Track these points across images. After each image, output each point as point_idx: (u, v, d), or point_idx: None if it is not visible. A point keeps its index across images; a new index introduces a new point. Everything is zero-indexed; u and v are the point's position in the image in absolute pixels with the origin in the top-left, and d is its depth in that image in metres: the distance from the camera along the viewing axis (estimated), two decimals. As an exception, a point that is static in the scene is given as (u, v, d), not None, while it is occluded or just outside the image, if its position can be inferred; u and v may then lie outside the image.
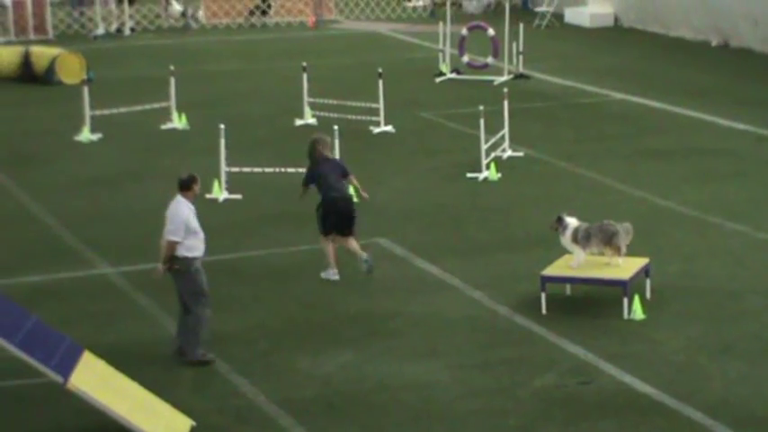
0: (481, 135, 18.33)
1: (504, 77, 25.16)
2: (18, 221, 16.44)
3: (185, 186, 11.96)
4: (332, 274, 14.16)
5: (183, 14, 32.63)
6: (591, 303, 13.34)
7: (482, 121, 18.27)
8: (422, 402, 11.11)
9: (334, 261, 14.15)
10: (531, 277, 13.69)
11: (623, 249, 13.21)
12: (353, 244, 14.25)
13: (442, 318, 13.10)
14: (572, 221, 13.39)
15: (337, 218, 14.15)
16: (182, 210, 11.83)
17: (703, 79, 25.65)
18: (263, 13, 33.16)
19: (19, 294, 12.88)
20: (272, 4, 33.25)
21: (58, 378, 10.38)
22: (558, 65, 27.10)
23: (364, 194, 14.70)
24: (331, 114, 21.08)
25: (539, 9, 33.08)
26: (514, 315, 13.10)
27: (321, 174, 14.22)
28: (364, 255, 14.17)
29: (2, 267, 14.42)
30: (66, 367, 10.56)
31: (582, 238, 13.21)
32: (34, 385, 10.95)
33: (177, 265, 11.78)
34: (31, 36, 30.15)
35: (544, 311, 13.04)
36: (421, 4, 35.51)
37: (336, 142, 17.16)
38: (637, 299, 12.91)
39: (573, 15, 33.24)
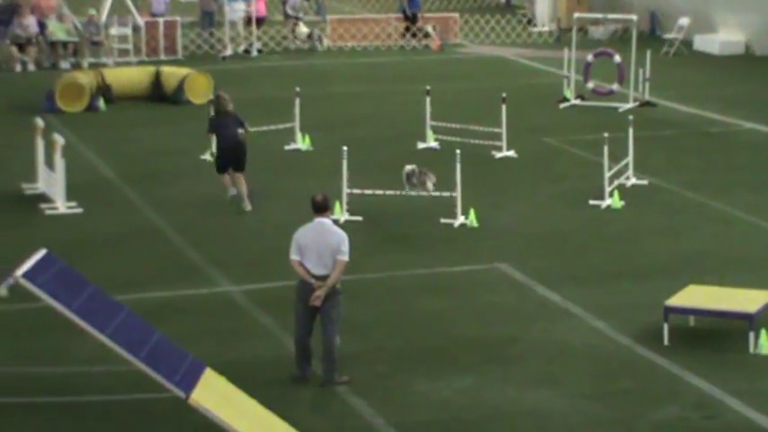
0: (605, 162, 18.16)
1: (630, 104, 24.90)
2: (145, 238, 16.75)
3: (325, 208, 12.02)
4: (232, 190, 17.87)
5: (310, 36, 32.97)
6: (715, 336, 13.10)
7: (606, 148, 18.10)
8: (539, 431, 11.02)
9: (230, 185, 17.88)
10: (653, 307, 13.49)
11: None
12: (242, 181, 17.80)
13: (563, 346, 12.99)
14: None
15: (231, 158, 17.79)
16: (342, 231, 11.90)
17: (836, 110, 25.07)
18: (426, 35, 33.26)
19: (144, 310, 13.10)
20: (430, 31, 33.31)
21: (181, 393, 10.54)
22: (685, 93, 26.73)
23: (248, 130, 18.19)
24: (453, 138, 21.09)
25: (667, 36, 32.67)
26: (636, 345, 12.92)
27: (220, 124, 17.87)
28: (239, 192, 17.76)
29: (129, 283, 14.70)
30: (189, 383, 10.72)
31: None
32: (157, 400, 11.12)
33: (340, 287, 11.87)
34: (162, 56, 30.76)
35: (666, 342, 12.85)
36: (547, 29, 35.37)
37: (458, 166, 17.16)
38: (763, 333, 12.64)
39: (702, 43, 32.77)
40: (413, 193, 17.61)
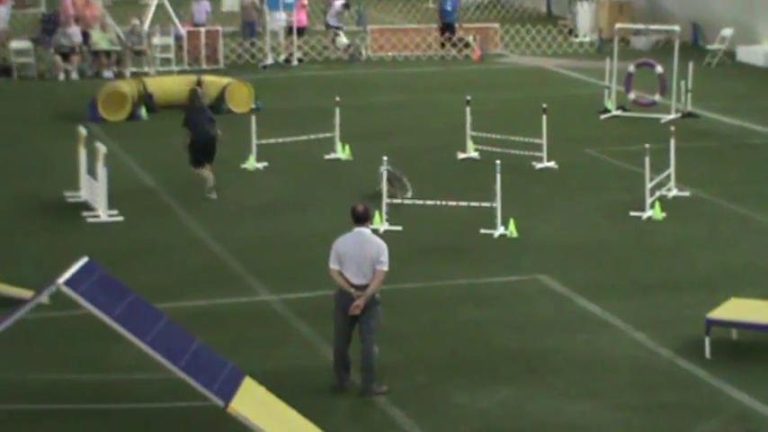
0: (646, 173, 18.06)
1: (672, 115, 24.76)
2: (186, 247, 16.81)
3: (366, 218, 12.01)
4: (210, 182, 18.86)
5: (350, 47, 33.02)
6: (758, 349, 12.98)
7: (647, 160, 18.00)
8: (580, 443, 10.96)
9: (208, 176, 18.88)
10: (695, 320, 13.38)
11: None
12: (209, 171, 18.94)
13: (603, 358, 12.91)
14: None
15: (206, 152, 18.85)
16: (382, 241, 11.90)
17: None
18: (466, 45, 33.26)
19: (184, 318, 13.14)
20: (471, 42, 33.31)
21: (220, 402, 10.56)
22: (728, 104, 26.55)
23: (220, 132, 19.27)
24: (493, 149, 21.04)
25: (710, 47, 32.48)
26: (677, 358, 12.83)
27: (195, 120, 18.92)
28: (211, 183, 18.82)
29: (169, 291, 14.75)
30: (228, 391, 10.73)
31: None
32: (196, 408, 11.13)
33: (379, 297, 11.86)
34: (204, 66, 30.91)
35: (708, 355, 12.74)
36: (588, 39, 35.26)
37: (498, 176, 17.12)
38: (806, 347, 12.53)
39: (746, 54, 32.54)
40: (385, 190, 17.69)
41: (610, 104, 25.57)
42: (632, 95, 25.48)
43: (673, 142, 19.11)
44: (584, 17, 36.18)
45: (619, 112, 25.39)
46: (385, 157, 17.57)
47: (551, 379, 12.37)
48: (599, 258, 16.27)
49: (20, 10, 37.26)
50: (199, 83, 26.16)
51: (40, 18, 34.39)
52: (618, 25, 28.50)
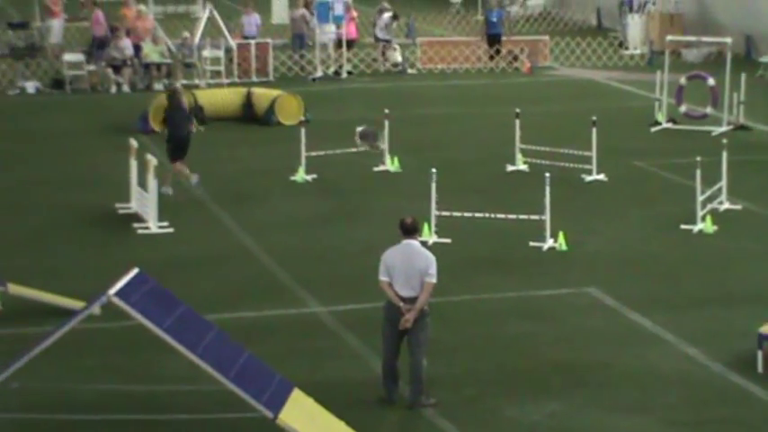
0: (697, 186, 17.92)
1: (723, 128, 24.57)
2: (236, 258, 16.87)
3: (414, 230, 12.00)
4: (194, 177, 19.88)
5: (398, 65, 32.97)
6: (810, 364, 12.83)
7: (698, 172, 17.86)
8: (630, 458, 10.88)
9: (188, 173, 19.92)
10: (747, 334, 13.25)
11: None
12: (183, 164, 20.02)
13: (654, 372, 12.81)
14: None
15: (181, 148, 19.87)
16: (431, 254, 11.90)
17: None
18: (515, 58, 33.25)
19: (234, 329, 13.17)
20: (519, 54, 33.29)
21: (269, 413, 10.59)
22: (780, 116, 26.32)
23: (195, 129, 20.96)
24: (543, 161, 20.97)
25: (763, 59, 32.19)
26: (729, 373, 12.71)
27: (174, 117, 19.99)
28: (194, 178, 19.87)
29: (218, 302, 14.81)
30: (277, 403, 10.76)
31: None
32: (245, 419, 11.16)
33: (428, 309, 11.85)
34: (254, 78, 31.06)
35: (760, 370, 12.61)
36: (638, 52, 35.08)
37: (547, 189, 17.06)
38: None
39: (798, 66, 32.23)
40: (362, 149, 19.15)
41: (660, 117, 25.42)
42: (683, 108, 25.31)
43: (725, 155, 18.96)
44: (635, 29, 36.00)
45: (669, 125, 25.23)
46: (433, 169, 17.55)
47: (601, 393, 12.30)
48: (649, 271, 16.17)
49: (72, 23, 37.62)
50: (249, 96, 26.35)
51: (93, 31, 34.72)
52: (669, 37, 28.33)
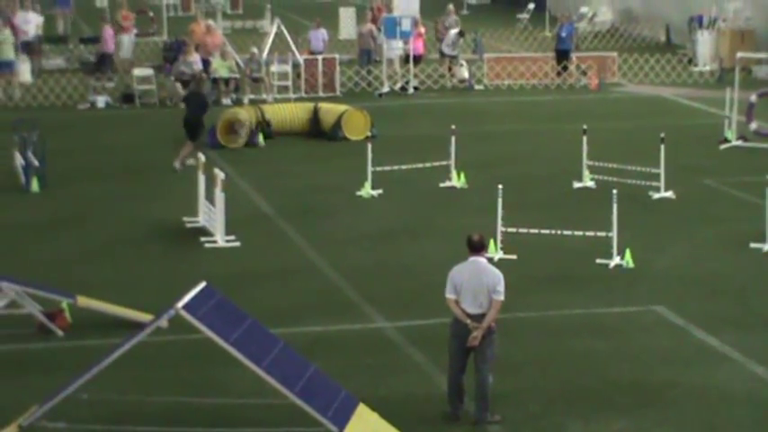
0: (767, 205, 17.72)
1: (793, 146, 24.31)
2: (302, 273, 16.95)
3: (482, 247, 11.98)
4: (178, 164, 22.31)
5: (464, 81, 32.98)
6: None
7: (768, 190, 17.68)
8: (697, 478, 10.76)
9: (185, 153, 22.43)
10: (817, 355, 13.09)
11: None
12: (189, 147, 22.56)
13: (721, 391, 12.68)
14: None
15: (188, 129, 22.56)
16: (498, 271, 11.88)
17: None
18: (583, 74, 33.15)
19: (299, 343, 13.24)
20: (587, 71, 33.21)
21: (334, 428, 10.62)
22: None
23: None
24: (610, 178, 20.86)
25: (833, 75, 31.84)
26: (798, 393, 12.55)
27: (190, 100, 23.01)
28: (177, 164, 22.38)
29: (285, 317, 14.88)
30: (342, 418, 10.78)
31: None
32: (310, 433, 11.20)
33: (494, 326, 11.83)
34: (321, 93, 31.21)
35: (831, 392, 12.44)
36: (708, 68, 34.80)
37: (614, 207, 16.96)
38: None
39: None
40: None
41: (730, 134, 25.18)
42: (754, 125, 25.06)
43: (795, 173, 18.74)
44: (705, 46, 35.72)
45: (739, 143, 24.99)
46: (500, 186, 17.52)
47: (668, 412, 12.19)
48: (717, 290, 16.01)
49: (142, 38, 38.08)
50: (316, 111, 26.49)
51: (162, 46, 35.14)
52: (739, 54, 28.08)
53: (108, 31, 32.65)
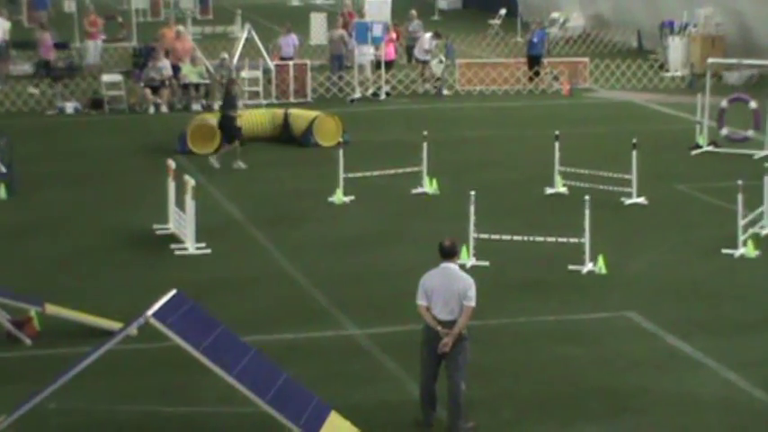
0: (738, 210, 17.76)
1: (765, 151, 24.35)
2: (273, 279, 16.85)
3: (453, 253, 11.91)
4: (215, 160, 23.62)
5: (438, 80, 32.97)
6: None
7: (740, 196, 17.70)
8: (670, 485, 10.73)
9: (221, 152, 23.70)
10: (789, 360, 13.10)
11: None
12: (223, 148, 23.87)
13: (694, 398, 12.66)
14: None
15: (223, 130, 23.70)
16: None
17: None
18: (555, 79, 33.18)
19: (271, 351, 13.14)
20: (558, 76, 33.25)
21: (305, 436, 10.52)
22: (821, 139, 26.05)
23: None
24: (582, 184, 20.85)
25: (804, 81, 31.97)
26: (771, 399, 12.55)
27: (223, 103, 24.15)
28: (214, 160, 23.54)
29: (256, 324, 14.78)
30: (314, 426, 10.71)
31: None
32: (281, 442, 11.10)
33: (467, 333, 11.76)
34: (292, 99, 31.12)
35: (803, 397, 12.45)
36: (679, 74, 34.90)
37: (586, 212, 16.95)
38: None
39: (839, 88, 31.97)
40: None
41: (701, 140, 25.24)
42: (725, 131, 25.13)
43: (767, 179, 18.77)
44: (676, 52, 35.82)
45: (711, 148, 25.05)
46: (472, 192, 17.47)
47: (640, 418, 12.16)
48: (689, 296, 16.01)
49: (112, 44, 37.87)
50: (286, 116, 26.39)
51: (132, 52, 34.96)
52: (710, 60, 28.16)
53: (45, 37, 32.53)
